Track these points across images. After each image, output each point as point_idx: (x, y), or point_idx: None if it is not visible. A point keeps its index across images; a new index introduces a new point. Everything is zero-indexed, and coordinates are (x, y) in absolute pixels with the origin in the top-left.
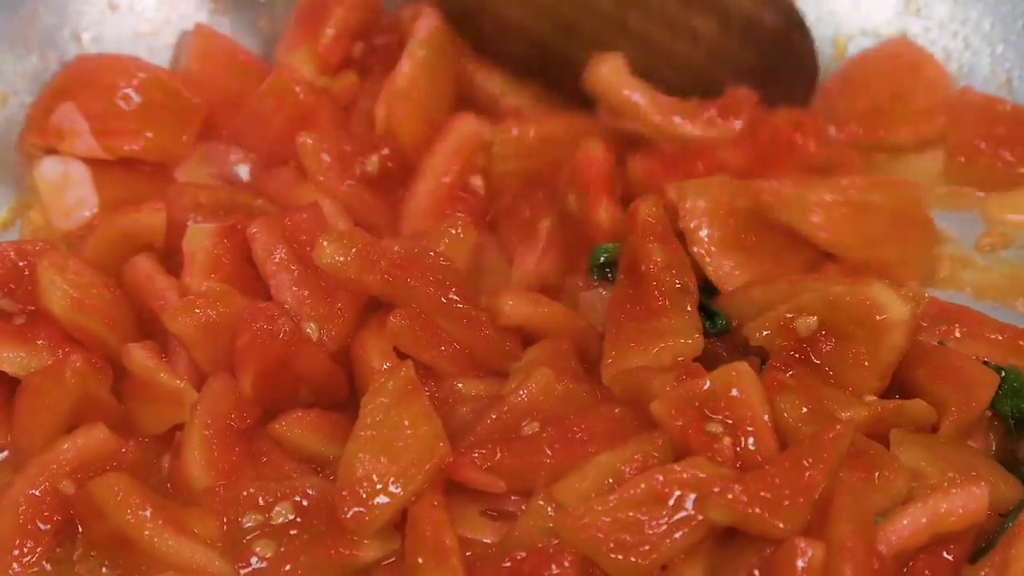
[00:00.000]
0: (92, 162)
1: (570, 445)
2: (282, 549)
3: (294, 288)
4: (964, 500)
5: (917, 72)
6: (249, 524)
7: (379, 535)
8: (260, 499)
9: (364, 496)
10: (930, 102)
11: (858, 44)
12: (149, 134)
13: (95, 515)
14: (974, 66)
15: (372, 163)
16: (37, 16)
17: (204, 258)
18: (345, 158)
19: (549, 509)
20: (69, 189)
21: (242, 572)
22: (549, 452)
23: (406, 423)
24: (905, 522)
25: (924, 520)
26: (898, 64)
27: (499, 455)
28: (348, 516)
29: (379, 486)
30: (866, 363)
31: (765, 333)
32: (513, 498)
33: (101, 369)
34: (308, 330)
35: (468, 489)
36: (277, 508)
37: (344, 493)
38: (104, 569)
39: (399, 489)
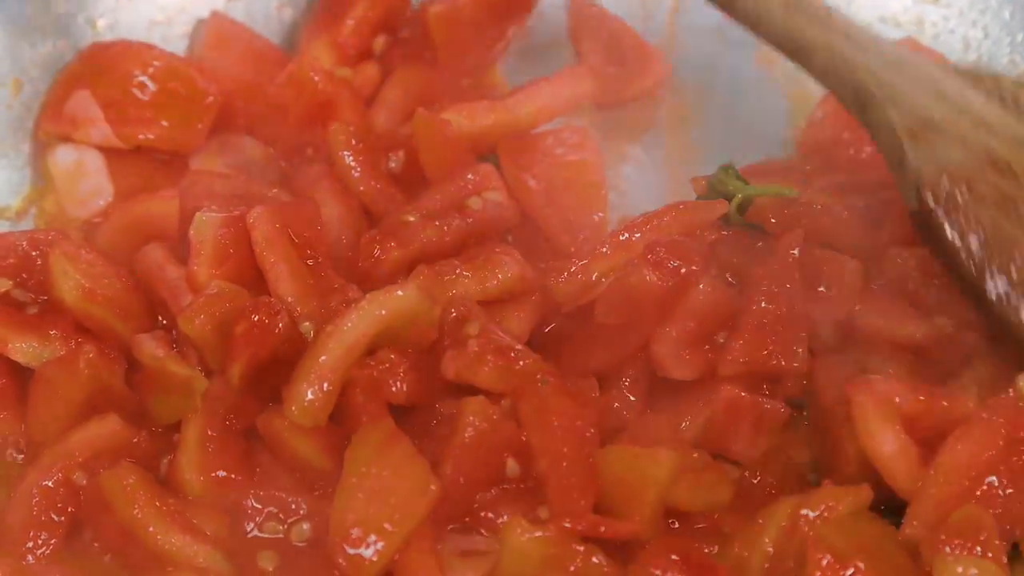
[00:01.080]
0: (107, 150)
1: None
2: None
3: (290, 281)
4: None
5: None
6: (255, 533)
7: None
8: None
9: (358, 540)
10: None
11: (877, 32)
12: (164, 123)
13: (102, 508)
14: (993, 55)
15: (397, 159)
16: (52, 3)
17: (211, 248)
18: (373, 152)
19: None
20: (84, 177)
21: None
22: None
23: (393, 468)
24: None
25: None
26: None
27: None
28: (344, 562)
29: (373, 530)
30: None
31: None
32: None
33: (114, 359)
34: (303, 329)
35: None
36: (286, 525)
37: (337, 539)
38: (110, 562)
39: (394, 529)
